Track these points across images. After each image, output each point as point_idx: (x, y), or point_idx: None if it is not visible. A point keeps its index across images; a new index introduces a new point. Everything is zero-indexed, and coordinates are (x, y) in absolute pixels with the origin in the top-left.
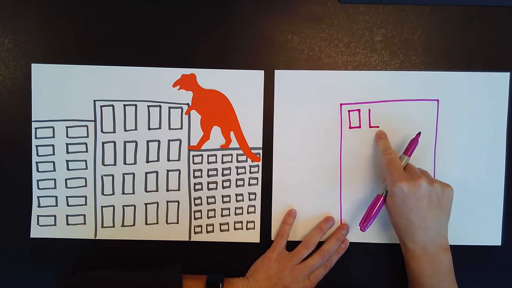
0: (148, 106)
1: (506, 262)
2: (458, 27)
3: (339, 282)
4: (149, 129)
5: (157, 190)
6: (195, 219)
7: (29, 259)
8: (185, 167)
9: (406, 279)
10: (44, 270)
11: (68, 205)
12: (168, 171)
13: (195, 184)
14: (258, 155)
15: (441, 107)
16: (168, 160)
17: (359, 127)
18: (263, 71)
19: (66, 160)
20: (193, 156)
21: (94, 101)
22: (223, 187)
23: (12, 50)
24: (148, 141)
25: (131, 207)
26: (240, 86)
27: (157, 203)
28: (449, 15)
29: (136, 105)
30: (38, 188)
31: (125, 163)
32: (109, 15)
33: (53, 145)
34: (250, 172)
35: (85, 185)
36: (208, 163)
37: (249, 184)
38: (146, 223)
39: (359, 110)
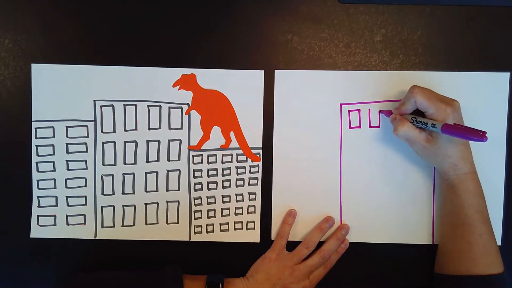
0: (148, 106)
1: (506, 262)
2: (458, 27)
3: (339, 282)
4: (149, 129)
5: (157, 190)
6: (195, 219)
7: (29, 259)
8: (185, 167)
9: (405, 279)
10: (44, 270)
11: (68, 205)
12: (168, 171)
13: (195, 184)
14: (258, 155)
15: None
16: (168, 160)
17: (359, 127)
18: (263, 71)
19: (66, 160)
20: (193, 156)
21: (94, 101)
22: (223, 187)
23: (12, 50)
24: (148, 141)
25: (131, 207)
26: (240, 86)
27: (157, 203)
28: (449, 15)
29: (136, 105)
30: (38, 188)
31: (125, 163)
32: (109, 15)
33: (53, 145)
34: (250, 172)
35: (85, 185)
36: (208, 163)
37: (249, 184)
38: (146, 223)
39: (359, 110)
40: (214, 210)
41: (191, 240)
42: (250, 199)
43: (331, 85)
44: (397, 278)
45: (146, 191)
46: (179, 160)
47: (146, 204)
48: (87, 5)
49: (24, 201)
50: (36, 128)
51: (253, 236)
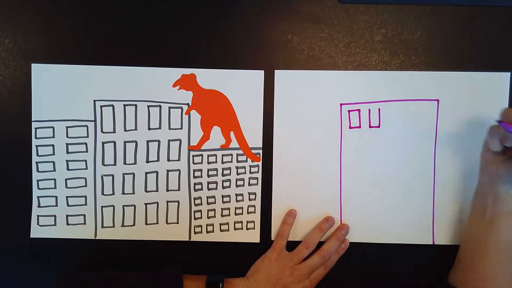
0: (148, 106)
1: None
2: (458, 27)
3: (339, 282)
4: (149, 129)
5: (157, 190)
6: (195, 219)
7: (29, 259)
8: (185, 167)
9: (405, 279)
10: (44, 270)
11: (68, 205)
12: (168, 171)
13: (195, 184)
14: (258, 155)
15: (441, 107)
16: (168, 160)
17: (359, 127)
18: (263, 71)
19: (66, 160)
20: (193, 156)
21: (94, 101)
22: (223, 187)
23: (12, 50)
24: (148, 141)
25: (131, 207)
26: (240, 86)
27: (157, 203)
28: (449, 15)
29: (136, 105)
30: (38, 188)
31: (125, 163)
32: (109, 15)
33: (53, 145)
34: (250, 172)
35: (85, 185)
36: (208, 163)
37: (249, 184)
38: (146, 223)
39: (359, 110)
40: (214, 210)
41: (191, 240)
42: (250, 199)
43: (331, 85)
44: (397, 278)
45: (146, 191)
46: (179, 160)
47: (146, 204)
48: (87, 5)
49: (24, 201)
50: (36, 128)
51: (253, 236)
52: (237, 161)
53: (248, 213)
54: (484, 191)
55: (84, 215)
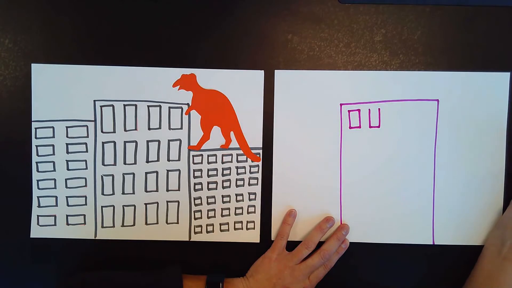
0: (148, 106)
1: None
2: (458, 27)
3: (339, 282)
4: (149, 129)
5: (157, 190)
6: (195, 219)
7: (29, 259)
8: (185, 167)
9: (405, 279)
10: (44, 270)
11: (68, 205)
12: (168, 171)
13: (195, 184)
14: (258, 155)
15: (441, 107)
16: (168, 160)
17: (359, 127)
18: (263, 71)
19: (66, 160)
20: (193, 156)
21: (94, 101)
22: (223, 187)
23: (12, 50)
24: (148, 141)
25: (131, 207)
26: (240, 86)
27: (157, 203)
28: (449, 15)
29: (136, 105)
30: (38, 188)
31: (125, 163)
32: (109, 15)
33: (53, 145)
34: (250, 172)
35: (85, 185)
36: (208, 163)
37: (249, 184)
38: (146, 223)
39: (359, 110)
40: (214, 210)
41: (191, 240)
42: (250, 199)
43: (331, 85)
44: (397, 278)
45: (146, 191)
46: (179, 160)
47: (146, 204)
48: (87, 5)
49: (24, 201)
50: (36, 128)
51: (253, 236)
52: (237, 161)
53: (248, 213)
54: (507, 226)
55: (84, 215)
